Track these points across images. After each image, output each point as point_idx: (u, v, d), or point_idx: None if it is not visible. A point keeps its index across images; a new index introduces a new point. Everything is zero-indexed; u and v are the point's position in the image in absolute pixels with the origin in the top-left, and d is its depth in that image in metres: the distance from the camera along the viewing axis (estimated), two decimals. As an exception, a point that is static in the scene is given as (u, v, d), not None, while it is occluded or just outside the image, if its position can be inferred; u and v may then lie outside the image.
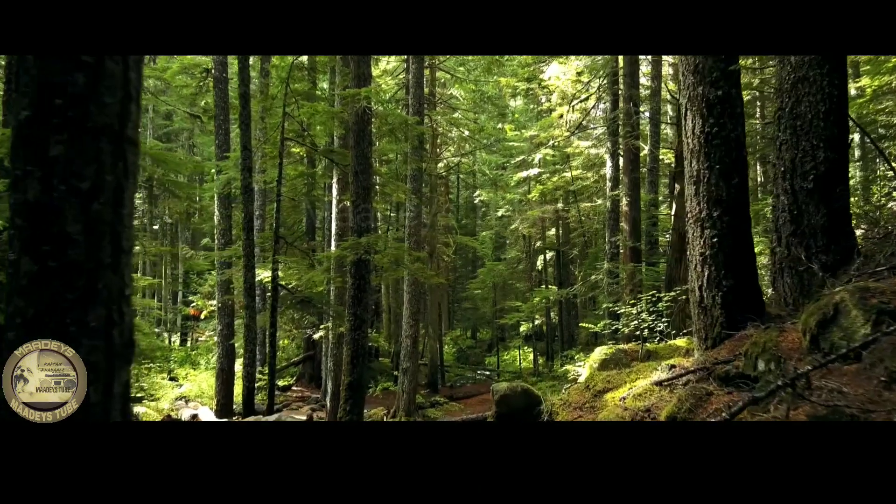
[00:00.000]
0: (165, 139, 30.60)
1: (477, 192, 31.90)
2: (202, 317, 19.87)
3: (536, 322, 24.75)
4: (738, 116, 4.54)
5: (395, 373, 15.28)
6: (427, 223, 22.24)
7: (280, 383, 18.07)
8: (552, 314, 25.34)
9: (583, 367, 11.54)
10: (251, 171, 9.41)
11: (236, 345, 12.31)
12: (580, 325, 23.38)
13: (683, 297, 11.50)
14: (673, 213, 13.26)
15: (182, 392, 14.39)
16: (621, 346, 10.20)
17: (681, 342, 9.72)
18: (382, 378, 20.58)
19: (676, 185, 13.12)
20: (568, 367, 12.40)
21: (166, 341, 28.39)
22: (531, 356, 25.73)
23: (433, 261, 21.85)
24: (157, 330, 30.39)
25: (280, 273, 10.72)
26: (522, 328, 27.38)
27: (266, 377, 17.40)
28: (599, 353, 10.00)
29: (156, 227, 31.98)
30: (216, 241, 12.51)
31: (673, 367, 5.72)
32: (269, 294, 13.05)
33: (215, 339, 13.71)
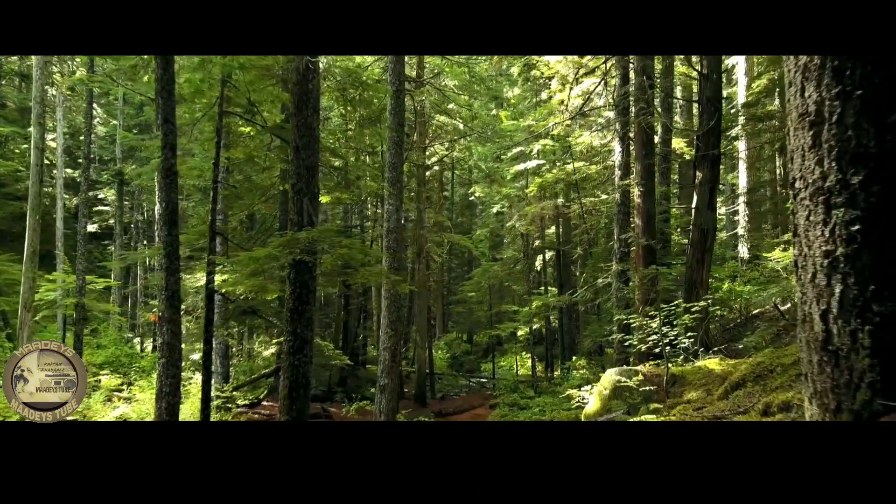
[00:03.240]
0: (138, 130, 28.68)
1: (472, 189, 30.00)
2: (153, 318, 17.97)
3: (535, 326, 22.83)
4: None
5: (369, 391, 13.33)
6: (414, 220, 20.33)
7: (249, 397, 16.14)
8: (552, 318, 23.42)
9: (589, 394, 9.60)
10: (174, 149, 7.49)
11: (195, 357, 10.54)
12: (584, 335, 21.51)
13: (716, 307, 9.61)
14: (693, 205, 11.33)
15: (120, 414, 12.48)
16: (636, 368, 8.26)
17: (712, 363, 7.78)
18: (367, 386, 18.68)
19: (698, 173, 11.19)
20: (571, 391, 10.47)
21: (137, 347, 26.51)
22: (529, 362, 23.80)
23: (421, 261, 19.93)
24: (129, 335, 28.54)
25: (223, 278, 8.80)
26: (520, 333, 25.47)
27: (227, 393, 15.50)
28: (611, 377, 8.06)
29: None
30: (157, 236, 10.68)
31: None
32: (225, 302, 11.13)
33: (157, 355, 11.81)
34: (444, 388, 23.04)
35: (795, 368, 4.73)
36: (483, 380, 25.42)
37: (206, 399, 8.01)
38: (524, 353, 26.81)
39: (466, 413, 16.95)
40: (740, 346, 8.67)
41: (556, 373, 22.89)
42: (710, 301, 8.10)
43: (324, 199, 9.05)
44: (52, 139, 26.09)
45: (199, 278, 10.28)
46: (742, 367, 6.04)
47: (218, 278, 8.54)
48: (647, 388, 7.50)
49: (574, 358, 21.43)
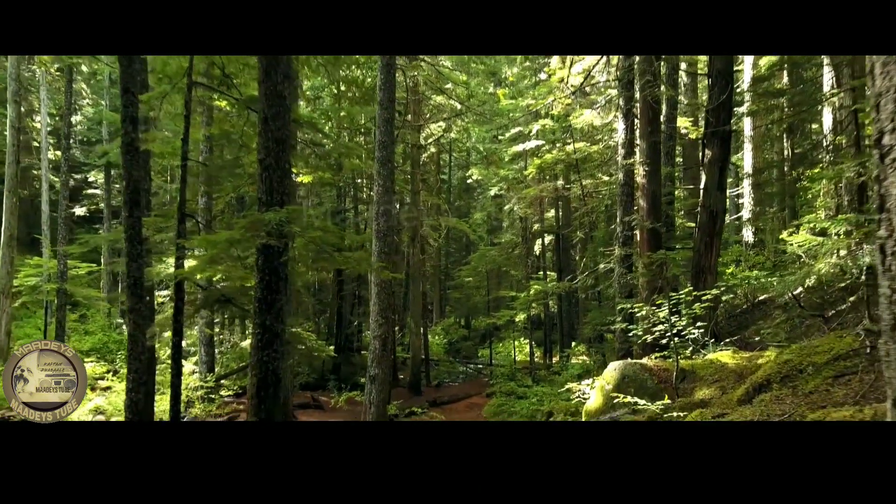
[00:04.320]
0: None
1: (470, 171, 29.23)
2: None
3: (534, 311, 22.24)
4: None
5: (362, 380, 12.75)
6: (409, 203, 19.65)
7: (235, 387, 15.57)
8: (551, 304, 22.81)
9: (590, 388, 8.99)
10: (136, 123, 6.80)
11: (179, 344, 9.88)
12: (584, 322, 20.92)
13: (729, 295, 9.00)
14: (701, 186, 10.66)
15: (97, 405, 11.90)
16: (642, 362, 7.65)
17: (724, 356, 7.15)
18: (361, 373, 18.10)
19: (707, 151, 10.51)
20: (571, 384, 9.87)
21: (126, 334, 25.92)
22: (528, 348, 23.25)
23: (416, 245, 19.28)
24: (119, 321, 27.94)
25: (191, 264, 8.14)
26: (518, 318, 24.88)
27: (210, 383, 14.93)
28: (614, 371, 7.44)
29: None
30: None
31: None
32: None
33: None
34: (440, 375, 22.51)
35: (831, 369, 4.11)
36: (480, 366, 24.91)
37: (175, 394, 7.38)
38: (522, 338, 26.26)
39: (462, 402, 16.41)
40: (756, 338, 8.07)
41: (554, 359, 22.35)
42: (722, 289, 7.47)
43: (305, 178, 8.40)
44: (39, 121, 25.29)
45: (167, 266, 9.64)
46: (764, 363, 5.42)
47: (189, 264, 7.89)
48: (654, 383, 6.89)
49: (574, 344, 20.87)
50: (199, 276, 7.91)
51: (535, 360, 21.52)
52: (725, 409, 4.48)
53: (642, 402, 5.50)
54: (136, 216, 6.83)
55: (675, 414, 4.87)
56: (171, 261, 8.80)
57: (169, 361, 17.29)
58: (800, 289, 10.15)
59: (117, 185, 29.88)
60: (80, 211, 29.78)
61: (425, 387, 19.29)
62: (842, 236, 7.34)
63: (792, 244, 7.20)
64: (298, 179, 8.78)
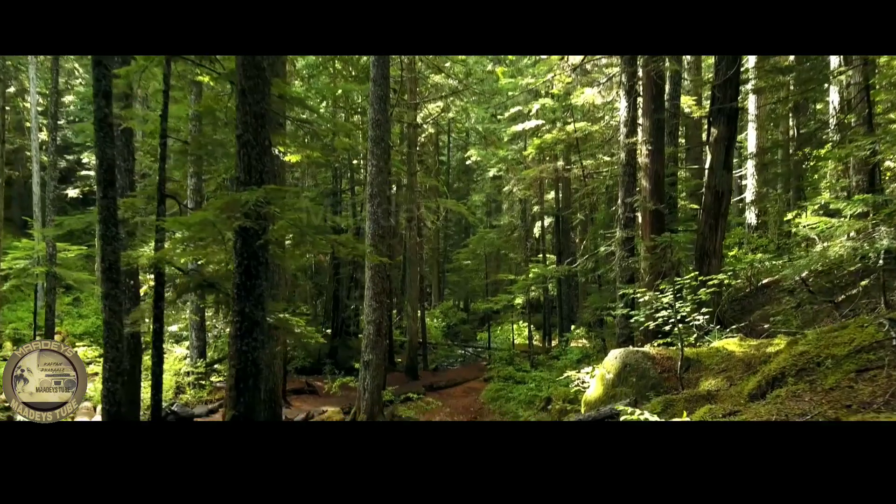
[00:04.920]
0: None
1: (469, 153, 28.73)
2: (141, 292, 17.01)
3: (533, 294, 21.92)
4: None
5: (358, 364, 12.48)
6: (406, 185, 19.24)
7: (226, 374, 15.25)
8: (550, 286, 22.48)
9: (590, 377, 8.68)
10: (110, 97, 6.39)
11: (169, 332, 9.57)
12: (584, 305, 20.59)
13: (737, 280, 8.64)
14: (707, 166, 10.26)
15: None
16: (644, 350, 7.32)
17: (731, 344, 6.82)
18: (358, 357, 17.81)
19: (713, 129, 10.10)
20: (570, 372, 9.56)
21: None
22: (527, 331, 22.98)
23: (413, 227, 18.90)
24: (114, 304, 27.61)
25: (170, 246, 7.77)
26: (517, 301, 24.54)
27: (201, 369, 14.65)
28: (614, 359, 7.12)
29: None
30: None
31: None
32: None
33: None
34: (438, 359, 22.27)
35: (852, 362, 3.77)
36: (479, 349, 24.68)
37: (156, 384, 7.08)
38: (521, 321, 25.99)
39: (459, 387, 16.16)
40: (766, 325, 7.72)
41: (554, 342, 22.09)
42: (730, 273, 7.12)
43: (293, 157, 8.03)
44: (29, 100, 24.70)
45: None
46: (774, 353, 5.07)
47: (168, 247, 7.53)
48: (657, 373, 6.57)
49: (573, 328, 20.59)
50: (182, 261, 7.56)
51: (534, 343, 21.25)
52: (736, 405, 4.14)
53: (642, 414, 5.14)
54: (111, 197, 6.44)
55: (681, 412, 4.53)
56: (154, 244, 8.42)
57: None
58: (805, 272, 9.81)
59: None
60: (73, 192, 29.29)
61: (422, 371, 19.05)
62: (850, 219, 6.98)
63: (803, 226, 6.83)
64: (286, 159, 8.40)
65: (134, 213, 7.74)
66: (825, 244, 6.45)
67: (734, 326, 7.57)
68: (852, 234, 7.37)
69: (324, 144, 11.58)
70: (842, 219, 6.29)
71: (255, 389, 5.60)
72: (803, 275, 9.33)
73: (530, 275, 15.10)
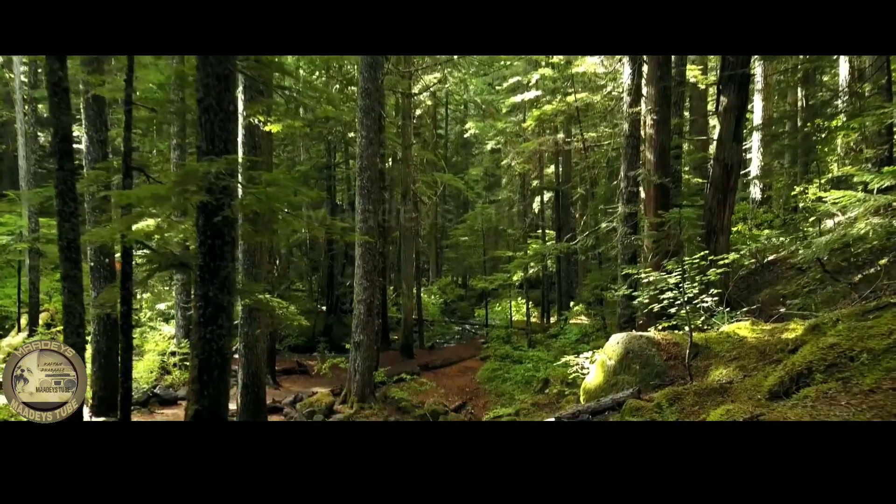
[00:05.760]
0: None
1: (467, 125, 27.99)
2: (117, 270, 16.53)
3: (532, 270, 21.45)
4: None
5: (347, 346, 12.03)
6: (401, 158, 18.62)
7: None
8: (549, 262, 21.99)
9: (590, 362, 8.21)
10: (64, 61, 5.80)
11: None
12: (584, 283, 20.11)
13: (752, 260, 8.10)
14: (716, 136, 9.68)
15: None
16: (648, 335, 6.84)
17: (743, 329, 6.33)
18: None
19: (723, 98, 9.49)
20: (568, 357, 9.10)
21: (112, 294, 25.19)
22: (525, 307, 22.54)
23: (408, 203, 18.32)
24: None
25: (148, 223, 7.24)
26: (515, 277, 24.08)
27: (186, 349, 14.18)
28: (616, 344, 6.64)
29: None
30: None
31: None
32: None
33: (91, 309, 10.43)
34: (434, 336, 21.90)
35: (893, 358, 3.28)
36: (476, 326, 24.30)
37: (126, 371, 6.59)
38: (520, 298, 25.56)
39: (455, 366, 15.76)
40: (781, 308, 7.23)
41: (552, 319, 21.67)
42: (743, 253, 6.61)
43: (274, 128, 7.46)
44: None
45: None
46: (795, 341, 4.59)
47: (142, 224, 6.99)
48: (662, 360, 6.10)
49: (572, 305, 20.15)
50: (155, 238, 7.03)
51: (532, 320, 20.83)
52: (755, 404, 3.66)
53: (657, 412, 4.67)
54: (68, 169, 5.90)
55: (690, 407, 4.05)
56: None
57: (148, 325, 16.60)
58: (826, 253, 9.29)
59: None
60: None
61: (418, 349, 18.66)
62: (878, 193, 6.44)
63: (826, 201, 6.30)
64: (266, 129, 7.83)
65: (100, 188, 7.21)
66: (847, 219, 5.92)
67: (745, 309, 7.09)
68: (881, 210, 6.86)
69: (313, 116, 10.95)
70: (867, 193, 5.77)
71: (220, 382, 5.13)
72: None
73: (529, 252, 14.60)
